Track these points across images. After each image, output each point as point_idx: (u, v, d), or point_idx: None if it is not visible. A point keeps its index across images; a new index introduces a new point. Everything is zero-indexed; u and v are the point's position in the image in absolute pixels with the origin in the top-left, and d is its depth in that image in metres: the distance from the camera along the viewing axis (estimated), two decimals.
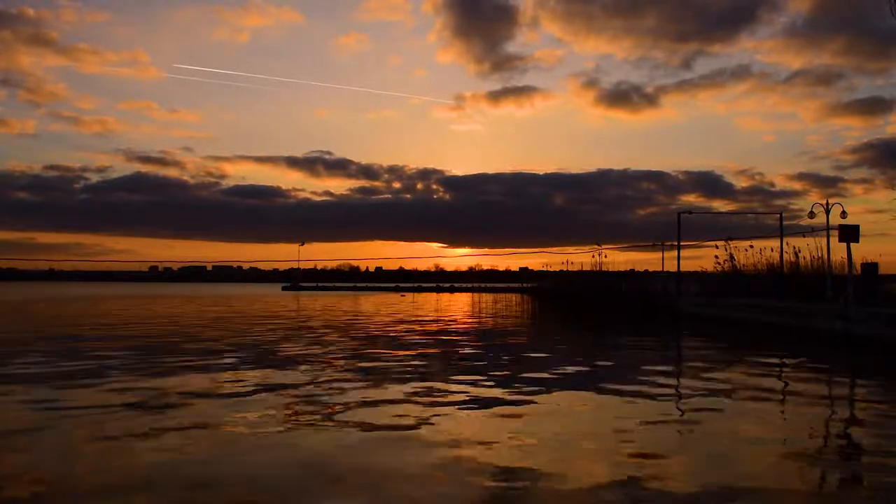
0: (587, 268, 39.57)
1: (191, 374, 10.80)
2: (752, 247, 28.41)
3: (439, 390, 9.36)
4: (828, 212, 22.41)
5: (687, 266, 34.03)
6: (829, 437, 7.02)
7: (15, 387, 9.56)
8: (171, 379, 10.32)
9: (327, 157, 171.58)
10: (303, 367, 11.64)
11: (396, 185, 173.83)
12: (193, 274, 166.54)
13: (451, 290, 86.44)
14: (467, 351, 14.89)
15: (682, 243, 33.34)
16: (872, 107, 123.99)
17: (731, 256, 29.14)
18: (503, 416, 7.66)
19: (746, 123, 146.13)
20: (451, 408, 8.09)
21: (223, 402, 8.36)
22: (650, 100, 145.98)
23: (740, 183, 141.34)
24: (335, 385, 9.72)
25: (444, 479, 5.21)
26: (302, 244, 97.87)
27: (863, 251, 34.29)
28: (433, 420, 7.35)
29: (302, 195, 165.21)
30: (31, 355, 13.42)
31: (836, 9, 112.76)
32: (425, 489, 4.98)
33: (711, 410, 8.11)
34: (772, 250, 27.97)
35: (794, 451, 6.26)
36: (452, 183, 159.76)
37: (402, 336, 18.39)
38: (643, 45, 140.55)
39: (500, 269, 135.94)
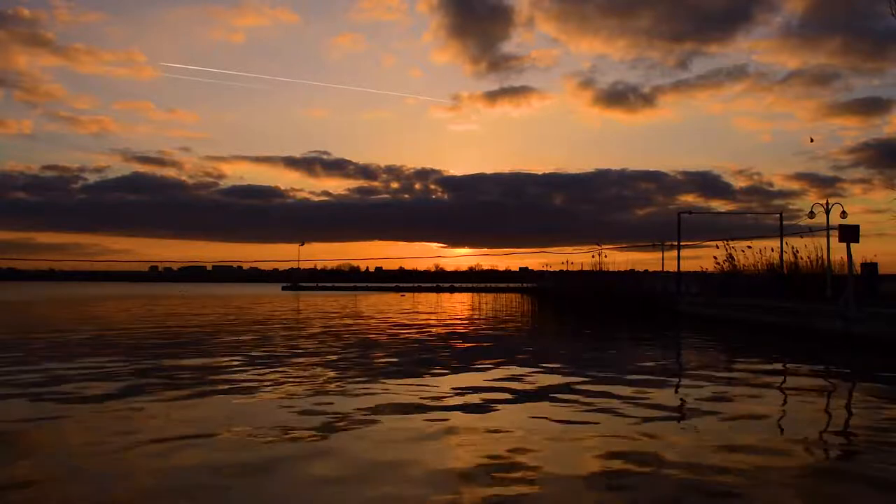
0: (587, 268, 39.65)
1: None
2: (749, 247, 28.45)
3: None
4: (828, 212, 22.44)
5: (687, 266, 34.09)
6: (828, 437, 7.02)
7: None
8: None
9: (325, 157, 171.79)
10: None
11: (395, 185, 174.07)
12: (193, 274, 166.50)
13: (452, 290, 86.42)
14: (465, 350, 14.90)
15: (681, 243, 33.39)
16: (869, 107, 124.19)
17: (731, 256, 29.19)
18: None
19: (744, 123, 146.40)
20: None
21: None
22: (647, 100, 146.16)
23: (738, 183, 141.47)
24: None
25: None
26: (302, 244, 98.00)
27: (861, 251, 34.29)
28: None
29: (300, 195, 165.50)
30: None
31: (831, 9, 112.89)
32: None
33: (708, 410, 8.10)
34: (772, 250, 28.03)
35: (792, 450, 6.26)
36: (451, 183, 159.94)
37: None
38: (639, 45, 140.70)
39: (500, 269, 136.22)
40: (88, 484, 5.13)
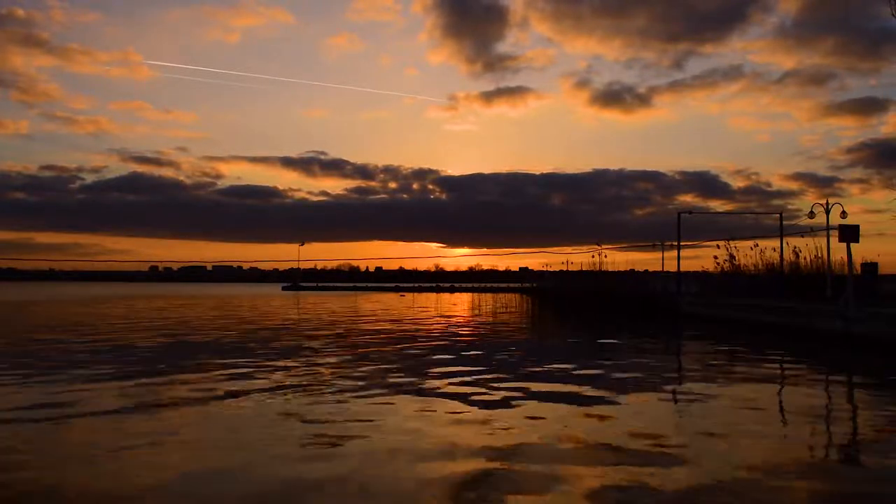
0: (587, 268, 39.58)
1: None
2: (756, 245, 28.52)
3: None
4: (828, 212, 22.44)
5: (687, 266, 34.14)
6: (827, 437, 7.03)
7: None
8: None
9: (322, 157, 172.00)
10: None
11: (392, 185, 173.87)
12: (193, 274, 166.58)
13: (452, 290, 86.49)
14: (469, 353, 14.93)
15: (681, 243, 33.41)
16: (866, 107, 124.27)
17: (731, 256, 29.24)
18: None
19: (741, 123, 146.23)
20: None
21: None
22: (643, 100, 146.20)
23: (737, 183, 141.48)
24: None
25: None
26: (302, 244, 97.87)
27: (860, 251, 34.29)
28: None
29: (298, 195, 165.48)
30: None
31: (826, 9, 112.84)
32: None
33: (707, 410, 8.12)
34: (773, 250, 28.09)
35: (791, 452, 6.28)
36: (449, 183, 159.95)
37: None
38: (633, 45, 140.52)
39: (500, 269, 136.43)
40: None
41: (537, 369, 11.66)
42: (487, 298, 56.02)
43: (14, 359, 12.89)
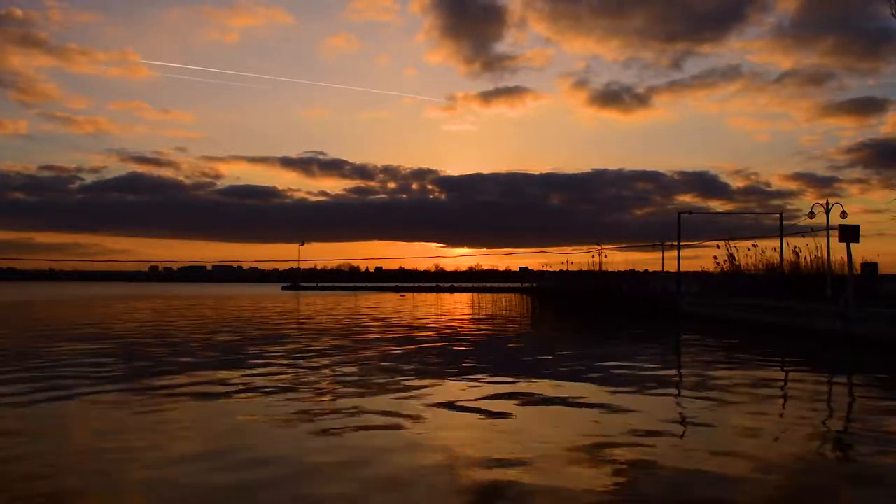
0: (587, 268, 39.56)
1: None
2: (755, 245, 28.51)
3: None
4: (828, 212, 22.44)
5: (687, 266, 34.10)
6: (827, 437, 7.03)
7: None
8: None
9: (321, 157, 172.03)
10: None
11: (392, 185, 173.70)
12: (193, 274, 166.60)
13: (451, 290, 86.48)
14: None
15: (681, 243, 33.40)
16: (865, 106, 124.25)
17: (731, 256, 29.23)
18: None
19: (740, 123, 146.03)
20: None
21: None
22: (641, 100, 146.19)
23: (736, 183, 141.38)
24: None
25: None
26: (302, 244, 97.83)
27: (860, 251, 34.29)
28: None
29: (298, 195, 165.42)
30: None
31: (825, 9, 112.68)
32: None
33: (707, 410, 8.13)
34: (774, 250, 28.08)
35: (789, 450, 6.28)
36: (448, 183, 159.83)
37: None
38: (631, 45, 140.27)
39: (500, 269, 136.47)
40: None
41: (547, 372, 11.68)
42: (487, 298, 55.98)
43: (16, 360, 12.90)
